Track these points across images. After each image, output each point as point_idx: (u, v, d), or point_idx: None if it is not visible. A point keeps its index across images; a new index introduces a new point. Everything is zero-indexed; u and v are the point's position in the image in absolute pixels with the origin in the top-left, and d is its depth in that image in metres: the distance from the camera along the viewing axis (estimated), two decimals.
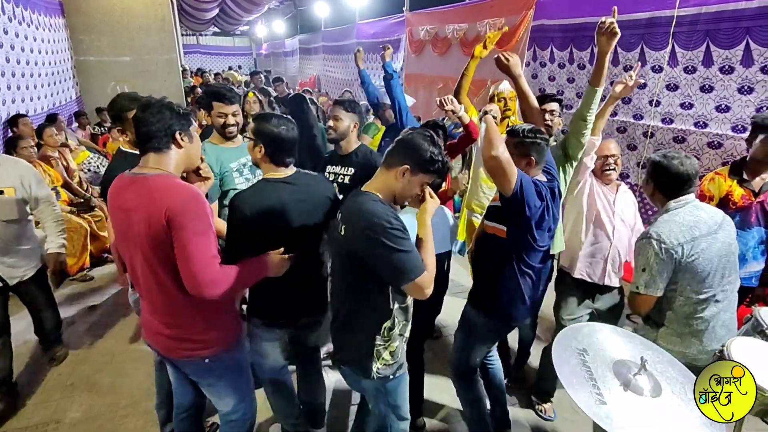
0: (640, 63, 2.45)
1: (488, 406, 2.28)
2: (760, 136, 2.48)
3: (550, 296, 2.62)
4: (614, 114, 4.18)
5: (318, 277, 1.98)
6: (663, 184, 1.82)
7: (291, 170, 1.84)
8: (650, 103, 3.83)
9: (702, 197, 2.65)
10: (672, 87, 3.68)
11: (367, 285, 1.52)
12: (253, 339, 1.96)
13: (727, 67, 3.30)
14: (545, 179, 1.87)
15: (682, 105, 3.62)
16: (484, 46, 3.06)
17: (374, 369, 1.57)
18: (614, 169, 2.44)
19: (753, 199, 2.57)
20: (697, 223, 1.75)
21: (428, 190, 1.57)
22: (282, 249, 1.73)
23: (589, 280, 2.42)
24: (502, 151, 1.57)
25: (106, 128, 6.69)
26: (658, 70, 3.75)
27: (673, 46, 3.61)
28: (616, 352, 1.38)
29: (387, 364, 1.59)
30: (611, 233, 2.38)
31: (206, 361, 1.60)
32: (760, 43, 3.09)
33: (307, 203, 1.82)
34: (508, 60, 2.11)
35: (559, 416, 2.57)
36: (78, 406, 2.57)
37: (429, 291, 1.46)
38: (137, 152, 1.54)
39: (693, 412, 1.20)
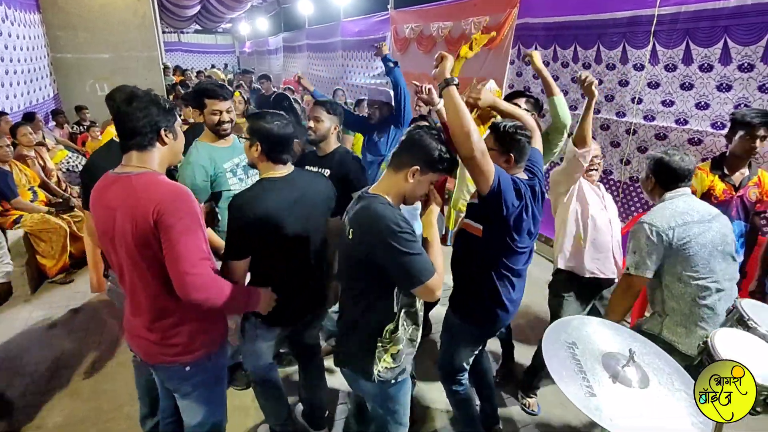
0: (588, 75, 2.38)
1: (478, 402, 2.28)
2: (740, 133, 2.55)
3: (530, 292, 2.62)
4: (597, 111, 4.23)
5: (319, 276, 1.97)
6: (663, 179, 1.96)
7: (289, 168, 1.82)
8: (632, 100, 3.89)
9: None
10: (653, 85, 3.73)
11: (372, 287, 1.50)
12: (248, 338, 1.93)
13: (706, 65, 3.36)
14: (526, 177, 1.83)
15: (663, 102, 3.68)
16: (470, 47, 3.08)
17: (375, 372, 1.54)
18: (597, 169, 2.52)
19: (734, 193, 2.63)
20: (689, 211, 1.87)
21: (433, 190, 1.55)
22: (270, 288, 1.73)
23: (602, 276, 2.41)
24: (479, 147, 1.50)
25: (85, 127, 6.54)
26: (640, 68, 3.80)
27: (654, 44, 3.67)
28: (604, 345, 1.39)
29: (389, 368, 1.56)
30: (611, 226, 2.41)
31: (187, 368, 1.55)
32: (737, 42, 3.16)
33: (308, 202, 1.80)
34: (478, 98, 1.98)
35: (547, 411, 2.60)
36: (60, 411, 2.50)
37: (439, 293, 1.44)
38: None
39: (679, 402, 1.22)
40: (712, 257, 1.83)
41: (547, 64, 4.73)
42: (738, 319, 1.75)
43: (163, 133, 1.43)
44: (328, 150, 2.43)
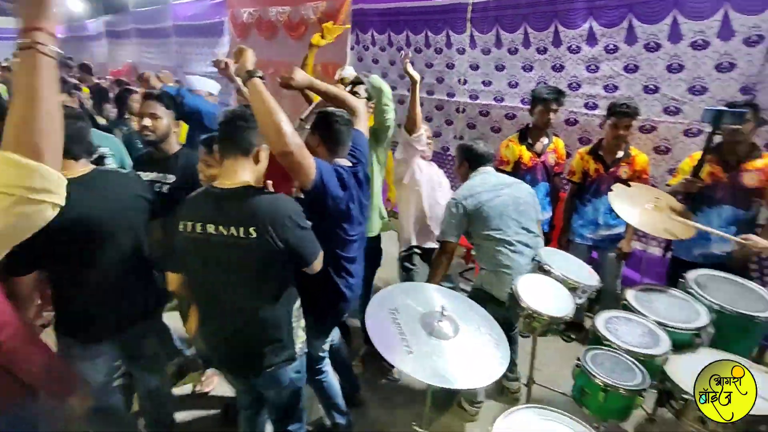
0: (406, 51, 2.67)
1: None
2: (538, 107, 2.96)
3: (388, 269, 2.76)
4: (431, 93, 4.57)
5: (141, 284, 1.78)
6: (473, 163, 2.38)
7: (86, 168, 1.60)
8: (459, 81, 4.27)
9: (501, 162, 3.08)
10: (474, 67, 4.14)
11: (283, 278, 1.51)
12: (66, 359, 1.68)
13: (513, 48, 3.83)
14: (349, 164, 1.83)
15: (483, 83, 4.11)
16: (322, 36, 3.07)
17: (297, 350, 1.61)
18: (429, 146, 2.72)
19: (537, 159, 3.06)
20: (482, 184, 2.26)
21: None
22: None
23: None
24: (293, 140, 1.45)
25: None
26: (462, 52, 4.18)
27: (471, 30, 4.06)
28: (423, 306, 1.51)
29: (303, 341, 1.64)
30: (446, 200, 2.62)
31: None
32: (534, 28, 3.65)
33: (108, 205, 1.59)
34: (291, 78, 1.84)
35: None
36: None
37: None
38: None
39: (486, 346, 1.39)
40: (504, 217, 2.21)
41: (383, 49, 4.94)
42: (538, 266, 2.06)
43: None
44: (171, 151, 2.17)
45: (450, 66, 4.32)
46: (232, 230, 1.39)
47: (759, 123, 2.37)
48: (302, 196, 1.76)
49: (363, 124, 2.02)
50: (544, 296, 1.83)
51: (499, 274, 2.18)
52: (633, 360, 1.77)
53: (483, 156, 2.37)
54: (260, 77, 1.46)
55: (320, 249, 1.55)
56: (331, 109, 1.84)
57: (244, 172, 1.47)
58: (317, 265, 1.58)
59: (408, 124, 2.52)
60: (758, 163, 2.38)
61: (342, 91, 2.06)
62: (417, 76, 2.50)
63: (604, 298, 2.90)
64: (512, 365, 2.55)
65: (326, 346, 2.12)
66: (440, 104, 4.54)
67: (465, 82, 4.25)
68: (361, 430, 2.40)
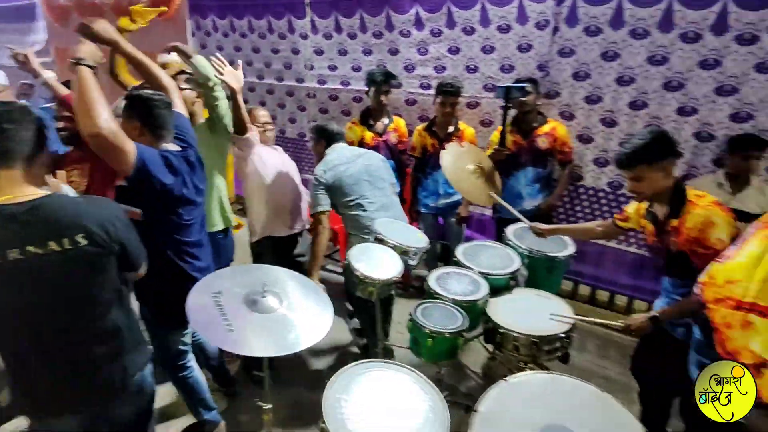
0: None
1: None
2: (372, 90, 3.15)
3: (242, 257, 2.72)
4: (281, 79, 4.54)
5: None
6: (327, 141, 2.58)
7: None
8: (305, 66, 4.30)
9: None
10: (319, 52, 4.19)
11: (119, 277, 1.38)
12: None
13: (352, 33, 3.94)
14: (178, 149, 1.77)
15: (329, 67, 4.19)
16: (132, 20, 2.85)
17: (149, 347, 1.59)
18: (271, 130, 2.74)
19: (379, 139, 3.25)
20: (339, 157, 2.46)
21: None
22: None
23: (297, 231, 2.70)
24: (106, 124, 1.40)
25: None
26: (305, 37, 4.20)
27: (312, 16, 4.09)
28: (247, 286, 1.54)
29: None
30: (296, 186, 2.69)
31: None
32: (369, 14, 3.79)
33: None
34: (90, 27, 1.69)
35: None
36: None
37: None
38: None
39: (308, 301, 1.49)
40: (359, 184, 2.43)
41: (226, 35, 4.74)
42: (376, 237, 2.22)
43: None
44: None
45: (296, 51, 4.31)
46: (52, 245, 1.19)
47: (540, 94, 2.86)
48: (125, 184, 1.66)
49: (179, 103, 1.92)
50: (379, 262, 1.99)
51: (363, 237, 2.36)
52: (457, 307, 2.02)
53: (337, 134, 2.63)
54: (90, 66, 1.47)
55: (145, 252, 1.47)
56: (146, 92, 1.73)
57: (32, 181, 1.26)
58: (144, 269, 1.51)
59: (236, 127, 2.44)
60: (546, 128, 2.90)
61: (152, 63, 1.91)
62: (236, 85, 2.36)
63: (452, 259, 3.22)
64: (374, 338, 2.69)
65: (187, 339, 2.05)
66: (291, 90, 4.52)
67: (312, 67, 4.29)
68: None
